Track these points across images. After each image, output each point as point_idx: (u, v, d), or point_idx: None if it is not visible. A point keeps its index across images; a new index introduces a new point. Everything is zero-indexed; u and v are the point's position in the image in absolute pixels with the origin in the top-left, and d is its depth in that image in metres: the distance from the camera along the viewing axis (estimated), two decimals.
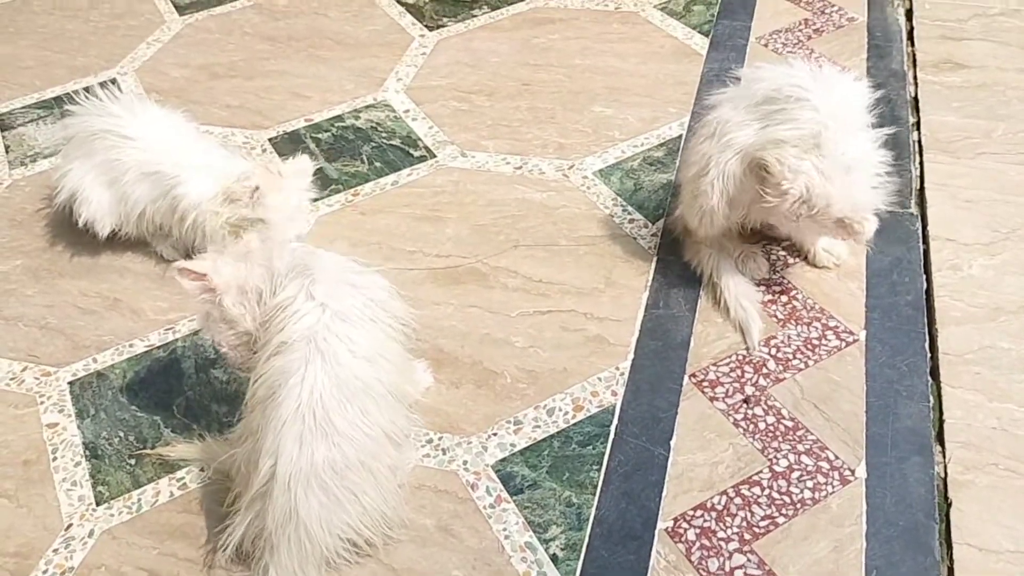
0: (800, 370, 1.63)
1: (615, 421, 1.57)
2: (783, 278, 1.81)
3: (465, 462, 1.53)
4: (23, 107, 2.52)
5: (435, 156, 2.20)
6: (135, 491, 1.53)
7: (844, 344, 1.66)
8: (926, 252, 1.82)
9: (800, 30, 2.52)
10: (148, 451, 1.59)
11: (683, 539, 1.39)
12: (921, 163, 2.03)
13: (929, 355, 1.63)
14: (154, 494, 1.53)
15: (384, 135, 2.29)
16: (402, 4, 2.84)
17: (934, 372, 1.60)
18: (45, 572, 1.43)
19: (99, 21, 2.89)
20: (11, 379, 1.74)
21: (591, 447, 1.54)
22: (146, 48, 2.74)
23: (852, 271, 1.80)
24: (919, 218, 1.90)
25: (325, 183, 2.15)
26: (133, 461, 1.58)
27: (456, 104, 2.38)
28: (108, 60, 2.69)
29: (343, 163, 2.21)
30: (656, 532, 1.41)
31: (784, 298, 1.77)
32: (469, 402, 1.63)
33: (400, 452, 1.41)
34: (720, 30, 2.56)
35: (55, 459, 1.59)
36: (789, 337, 1.69)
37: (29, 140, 2.40)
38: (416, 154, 2.22)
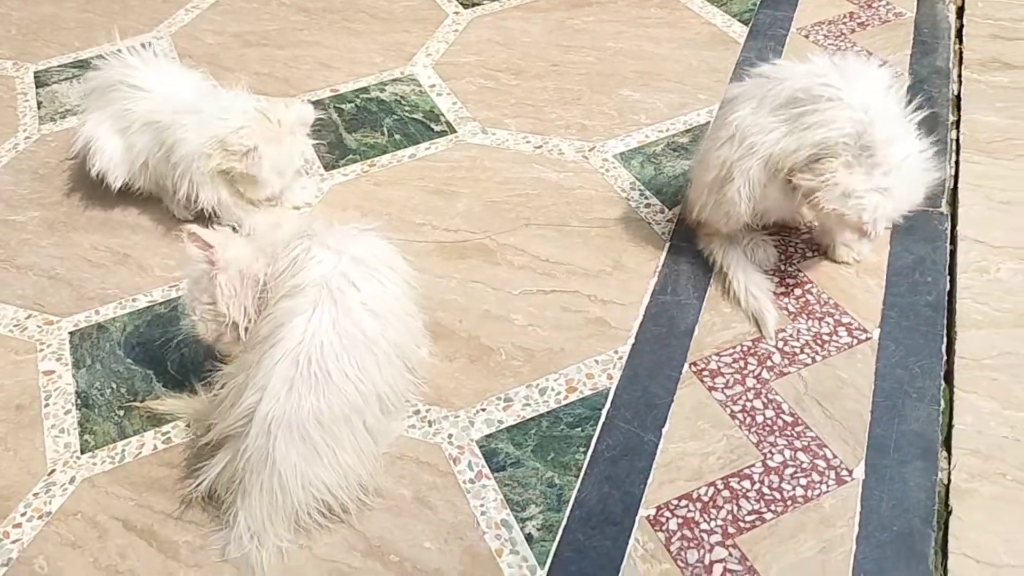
0: (806, 365, 1.56)
1: (607, 405, 1.52)
2: (799, 271, 1.74)
3: (450, 435, 1.50)
4: (60, 65, 2.56)
5: (456, 132, 2.17)
6: (120, 442, 1.53)
7: (856, 341, 1.59)
8: (952, 253, 1.73)
9: (844, 23, 2.43)
10: (137, 403, 1.58)
11: (664, 528, 1.34)
12: (957, 162, 1.94)
13: (945, 358, 1.55)
14: (138, 446, 1.52)
15: (407, 108, 2.26)
16: None
17: (948, 376, 1.52)
18: (23, 515, 1.43)
19: None
20: (15, 326, 1.76)
21: (580, 429, 1.49)
22: (184, 14, 2.75)
23: (872, 268, 1.73)
24: (949, 218, 1.81)
25: (343, 152, 2.14)
26: (122, 412, 1.58)
27: (483, 81, 2.34)
28: (147, 24, 2.72)
29: (363, 134, 2.19)
30: (637, 519, 1.36)
31: (798, 291, 1.70)
32: (461, 376, 1.59)
33: (387, 418, 1.38)
34: (761, 19, 2.49)
35: (47, 405, 1.60)
36: (799, 331, 1.62)
37: (61, 97, 2.42)
38: (437, 129, 2.19)
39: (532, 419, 1.51)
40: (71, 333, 1.74)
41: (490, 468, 1.44)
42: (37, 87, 2.48)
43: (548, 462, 1.45)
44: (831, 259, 1.75)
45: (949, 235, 1.78)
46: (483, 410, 1.53)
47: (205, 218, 1.94)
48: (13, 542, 1.39)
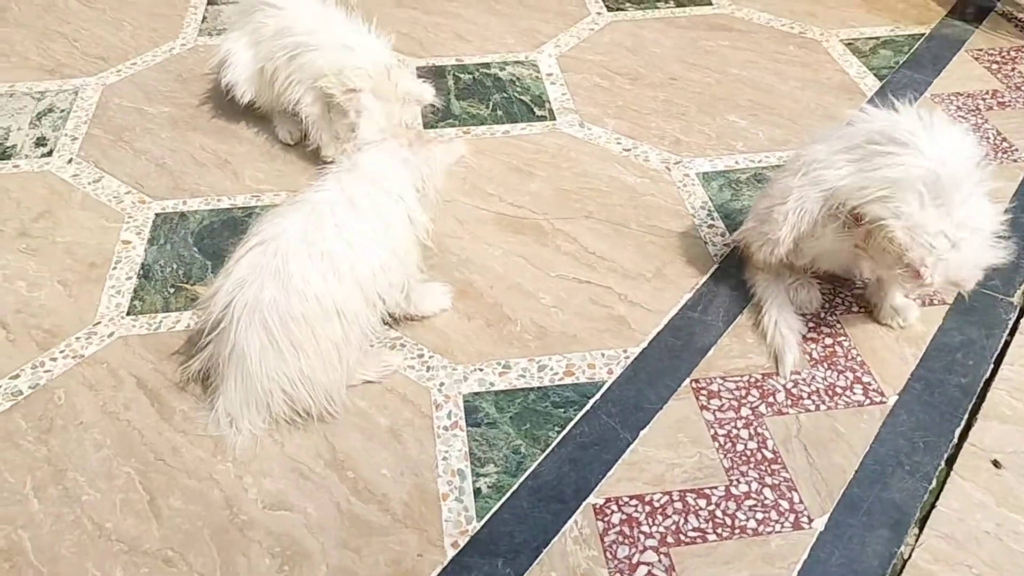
0: (808, 411, 1.53)
1: (597, 395, 1.55)
2: (837, 322, 1.70)
3: (442, 384, 1.57)
4: None
5: (554, 119, 2.24)
6: (161, 314, 1.69)
7: (868, 402, 1.54)
8: (1007, 343, 1.64)
9: (983, 99, 2.32)
10: (187, 285, 1.74)
11: (606, 519, 1.36)
12: None
13: (955, 441, 1.48)
14: (175, 321, 1.68)
15: (518, 90, 2.35)
16: None
17: (951, 459, 1.45)
18: (62, 352, 1.61)
19: None
20: (114, 197, 1.97)
21: (563, 410, 1.52)
22: None
23: (914, 336, 1.66)
24: (1018, 309, 1.71)
25: (446, 116, 2.24)
26: (172, 290, 1.74)
27: (598, 80, 2.40)
28: None
29: (469, 103, 2.30)
30: (584, 504, 1.38)
31: (828, 340, 1.66)
32: (473, 336, 1.66)
33: (349, 341, 1.44)
34: (898, 77, 2.41)
35: (114, 268, 1.79)
36: (814, 377, 1.59)
37: (225, 17, 2.66)
38: (538, 113, 2.26)
39: (522, 390, 1.56)
40: (157, 214, 1.93)
41: (466, 422, 1.50)
42: (208, 4, 2.74)
43: (521, 431, 1.49)
44: (876, 319, 1.70)
45: (1012, 326, 1.68)
46: (480, 370, 1.59)
47: (303, 146, 2.10)
48: (46, 371, 1.58)
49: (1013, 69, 2.44)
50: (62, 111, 2.24)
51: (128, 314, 1.69)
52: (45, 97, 2.30)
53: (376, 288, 1.44)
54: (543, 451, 1.46)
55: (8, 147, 2.12)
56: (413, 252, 1.51)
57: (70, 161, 2.08)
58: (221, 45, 2.13)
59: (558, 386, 1.57)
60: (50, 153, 2.10)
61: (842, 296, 1.75)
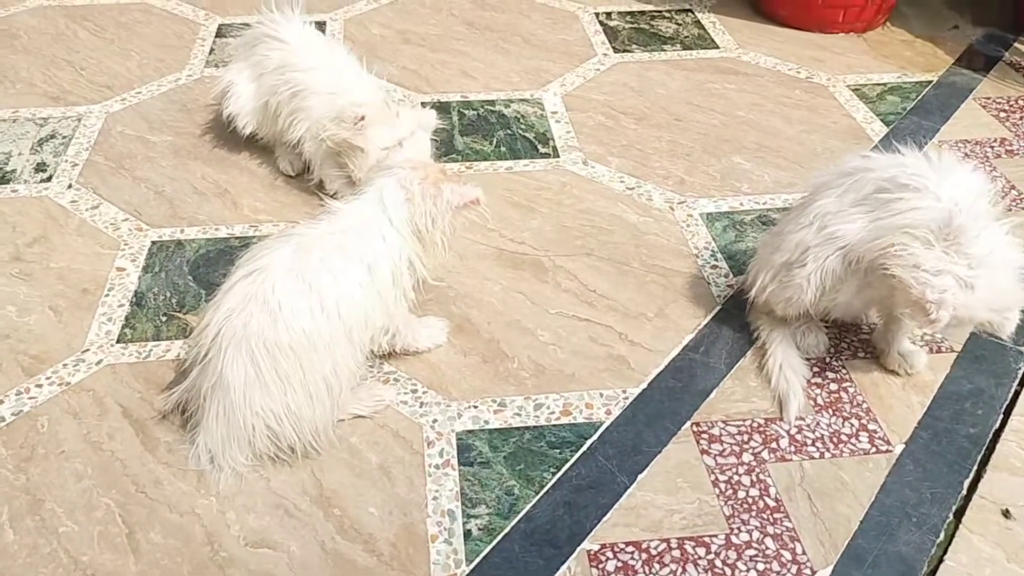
0: (812, 458, 1.48)
1: (595, 437, 1.50)
2: (843, 367, 1.66)
3: (435, 420, 1.52)
4: (241, 23, 2.81)
5: (558, 157, 2.22)
6: (151, 342, 1.66)
7: (874, 450, 1.49)
8: (1017, 393, 1.60)
9: (991, 146, 2.31)
10: (179, 314, 1.71)
11: (600, 566, 1.31)
12: None
13: (964, 493, 1.43)
14: (164, 350, 1.64)
15: (522, 127, 2.34)
16: (602, 24, 2.89)
17: (959, 512, 1.40)
18: (48, 378, 1.58)
19: None
20: (111, 224, 1.95)
21: (559, 451, 1.48)
22: (364, 4, 2.97)
23: (922, 384, 1.62)
24: None
25: (448, 150, 2.23)
26: (164, 318, 1.71)
27: (603, 119, 2.38)
28: (330, 6, 2.95)
29: (473, 139, 2.28)
30: (578, 550, 1.33)
31: (833, 386, 1.62)
32: (468, 372, 1.62)
33: (335, 369, 1.39)
34: (905, 124, 2.40)
35: (107, 295, 1.76)
36: (818, 423, 1.54)
37: (231, 50, 2.66)
38: (542, 150, 2.25)
39: (517, 428, 1.52)
40: (153, 242, 1.90)
41: (459, 460, 1.46)
42: (217, 36, 2.75)
43: (515, 472, 1.44)
44: (882, 365, 1.65)
45: (1022, 375, 1.64)
46: (475, 407, 1.55)
47: (304, 178, 2.08)
48: (30, 398, 1.54)
49: (1021, 118, 2.43)
50: (64, 138, 2.24)
51: (118, 342, 1.66)
52: (48, 123, 2.29)
53: (357, 328, 1.40)
54: (537, 493, 1.41)
55: (8, 172, 2.11)
56: (400, 300, 1.47)
57: (69, 187, 2.06)
58: (223, 76, 2.12)
59: (554, 426, 1.52)
60: (49, 179, 2.09)
61: (848, 341, 1.71)
